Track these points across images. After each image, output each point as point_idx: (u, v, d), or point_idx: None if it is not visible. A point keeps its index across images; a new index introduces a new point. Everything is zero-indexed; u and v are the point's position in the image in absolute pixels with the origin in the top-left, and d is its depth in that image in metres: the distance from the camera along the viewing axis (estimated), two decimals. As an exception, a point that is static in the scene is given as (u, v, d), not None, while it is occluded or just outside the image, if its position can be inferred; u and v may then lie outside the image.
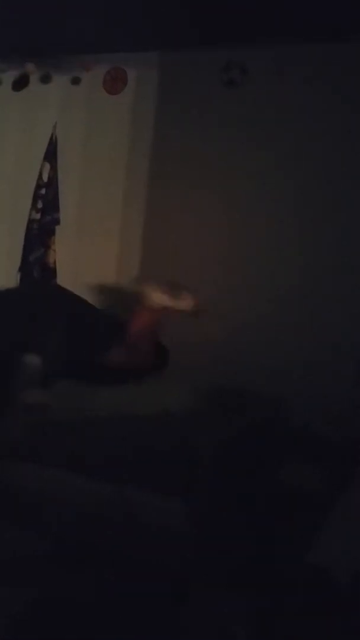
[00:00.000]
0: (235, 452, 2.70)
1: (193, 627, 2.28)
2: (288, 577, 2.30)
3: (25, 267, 4.07)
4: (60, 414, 2.90)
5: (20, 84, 4.35)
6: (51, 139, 4.06)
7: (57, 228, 4.12)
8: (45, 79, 4.30)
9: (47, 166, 4.03)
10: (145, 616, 2.30)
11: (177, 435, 2.68)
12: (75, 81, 4.20)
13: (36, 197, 4.05)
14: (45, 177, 4.01)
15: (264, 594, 2.33)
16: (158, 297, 2.72)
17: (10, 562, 2.56)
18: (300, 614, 2.09)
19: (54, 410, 2.90)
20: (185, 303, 2.75)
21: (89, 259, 4.29)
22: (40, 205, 4.04)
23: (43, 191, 4.02)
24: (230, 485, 2.60)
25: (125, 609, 2.34)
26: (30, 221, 4.06)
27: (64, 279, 4.13)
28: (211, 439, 2.69)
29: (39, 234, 4.03)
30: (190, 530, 2.52)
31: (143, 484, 2.62)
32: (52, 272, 4.11)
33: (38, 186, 4.04)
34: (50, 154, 4.04)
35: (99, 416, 2.83)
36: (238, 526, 2.56)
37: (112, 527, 2.61)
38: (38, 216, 4.03)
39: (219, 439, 2.71)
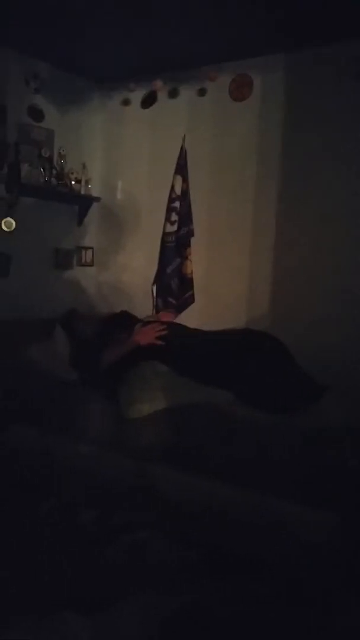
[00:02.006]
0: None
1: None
2: None
3: (161, 279, 4.16)
4: (210, 424, 2.96)
5: (148, 101, 4.49)
6: (181, 151, 4.11)
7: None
8: (173, 94, 4.40)
9: (179, 179, 4.08)
10: (290, 627, 2.29)
11: (326, 447, 2.64)
12: (202, 92, 4.26)
13: (169, 210, 4.10)
14: (178, 190, 4.06)
15: None
16: None
17: (157, 569, 2.64)
18: None
19: (204, 419, 2.97)
20: None
21: (221, 269, 4.34)
22: (174, 218, 4.09)
23: (176, 204, 4.07)
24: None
25: (271, 619, 2.34)
26: (165, 234, 4.12)
27: (198, 289, 4.23)
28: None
29: (176, 246, 4.10)
30: (339, 542, 2.48)
31: (292, 495, 2.60)
32: (189, 282, 4.18)
33: (171, 199, 4.09)
34: (181, 167, 4.09)
35: (249, 427, 2.86)
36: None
37: (263, 538, 2.62)
38: (173, 228, 4.09)
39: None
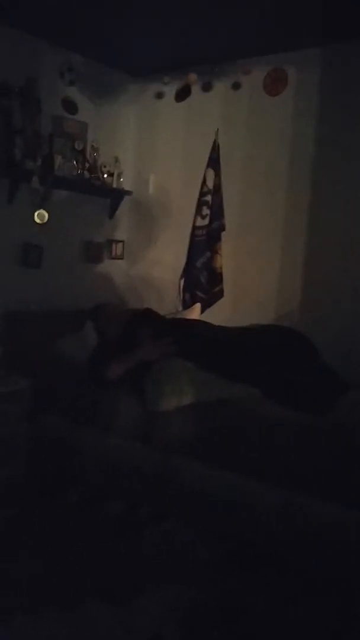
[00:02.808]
0: None
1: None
2: None
3: (190, 273, 4.15)
4: (245, 421, 2.94)
5: (182, 95, 4.47)
6: (214, 145, 4.10)
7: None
8: (207, 87, 4.38)
9: (212, 173, 4.07)
10: (313, 623, 2.27)
11: (354, 445, 2.62)
12: (236, 86, 4.23)
13: (200, 203, 4.10)
14: (210, 184, 4.05)
15: None
16: None
17: (182, 562, 2.65)
18: None
19: (237, 416, 2.97)
20: None
21: (252, 264, 4.32)
22: (205, 211, 4.09)
23: (208, 198, 4.07)
24: None
25: (294, 615, 2.33)
26: (196, 227, 4.11)
27: (228, 283, 4.21)
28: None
29: (207, 240, 4.10)
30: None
31: (318, 491, 2.59)
32: (219, 276, 4.17)
33: (202, 193, 4.08)
34: (214, 161, 4.08)
35: (276, 423, 2.85)
36: None
37: (288, 534, 2.61)
38: (204, 222, 4.08)
39: None
